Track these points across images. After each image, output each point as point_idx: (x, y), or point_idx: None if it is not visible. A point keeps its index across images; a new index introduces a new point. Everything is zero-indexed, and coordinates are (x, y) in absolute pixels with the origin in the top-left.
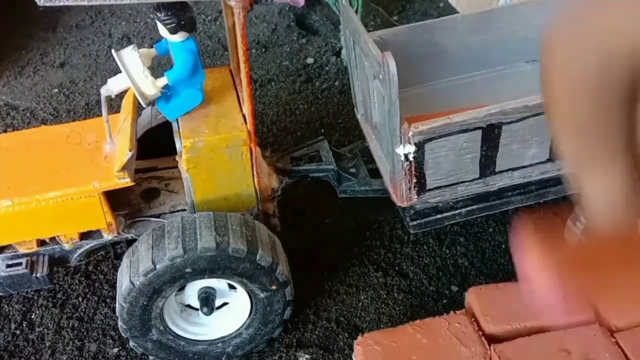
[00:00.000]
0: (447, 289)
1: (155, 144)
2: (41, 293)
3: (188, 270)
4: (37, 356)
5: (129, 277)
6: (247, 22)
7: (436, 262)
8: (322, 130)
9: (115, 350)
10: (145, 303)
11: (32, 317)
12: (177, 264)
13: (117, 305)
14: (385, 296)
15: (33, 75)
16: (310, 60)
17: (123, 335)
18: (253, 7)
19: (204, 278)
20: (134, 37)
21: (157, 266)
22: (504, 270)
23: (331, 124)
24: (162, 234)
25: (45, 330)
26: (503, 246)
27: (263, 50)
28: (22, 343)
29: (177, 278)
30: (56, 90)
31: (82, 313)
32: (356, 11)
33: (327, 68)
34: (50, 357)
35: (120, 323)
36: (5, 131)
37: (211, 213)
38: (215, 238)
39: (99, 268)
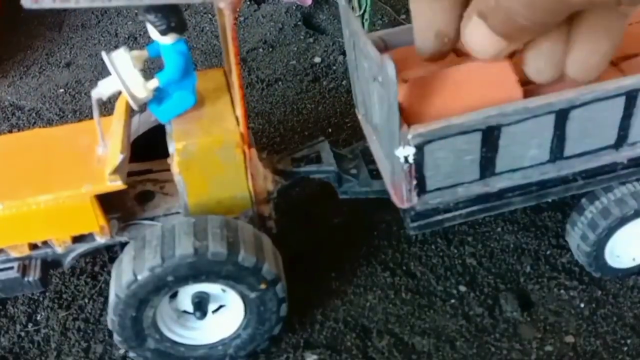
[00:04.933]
0: (455, 289)
1: (153, 146)
2: (47, 294)
3: (170, 278)
4: (43, 358)
5: (114, 289)
6: (254, 22)
7: (444, 262)
8: (330, 130)
9: (122, 351)
10: (134, 314)
11: (38, 318)
12: (158, 273)
13: (108, 319)
14: (392, 296)
15: (39, 75)
16: (317, 60)
17: (120, 347)
18: (260, 6)
19: (188, 284)
20: (140, 36)
21: (138, 277)
22: (512, 270)
23: (338, 123)
24: (143, 244)
25: (51, 331)
26: (512, 245)
27: (270, 49)
28: (27, 345)
29: (160, 287)
30: (62, 90)
31: (88, 314)
32: (365, 10)
33: (334, 67)
34: (56, 359)
35: (115, 336)
36: (10, 131)
37: (192, 218)
38: (194, 244)
39: (105, 269)
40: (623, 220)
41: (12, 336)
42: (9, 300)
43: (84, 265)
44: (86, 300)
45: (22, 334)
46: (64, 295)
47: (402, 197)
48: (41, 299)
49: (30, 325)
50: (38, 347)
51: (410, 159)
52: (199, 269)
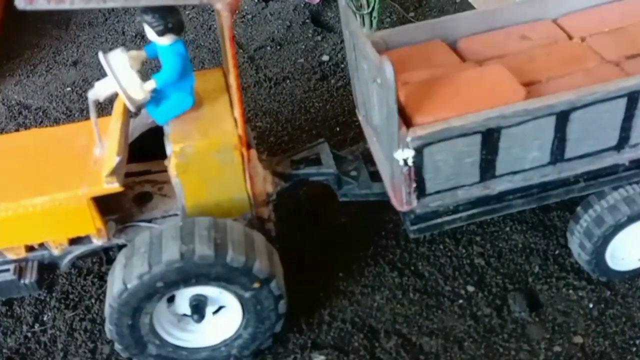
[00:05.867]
0: (463, 289)
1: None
2: (54, 294)
3: (160, 284)
4: (49, 359)
5: (108, 299)
6: (262, 19)
7: (452, 262)
8: (337, 129)
9: None
10: (130, 322)
11: (44, 319)
12: (146, 280)
13: (106, 328)
14: (400, 296)
15: (45, 74)
16: (325, 58)
17: (122, 355)
18: (268, 4)
19: (180, 288)
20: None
21: (128, 286)
22: (521, 270)
23: (346, 122)
24: (133, 251)
25: (58, 332)
26: (520, 245)
27: (278, 47)
28: (34, 346)
29: (152, 294)
30: (69, 89)
31: (95, 315)
32: (373, 8)
33: (342, 65)
34: None
35: (115, 345)
36: (17, 130)
37: (179, 223)
38: (180, 248)
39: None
40: (617, 228)
41: (18, 337)
42: (15, 300)
43: (90, 265)
44: (93, 301)
45: (29, 334)
46: (71, 296)
47: (402, 199)
48: (48, 299)
49: (36, 325)
50: (45, 348)
51: (410, 162)
52: (188, 273)
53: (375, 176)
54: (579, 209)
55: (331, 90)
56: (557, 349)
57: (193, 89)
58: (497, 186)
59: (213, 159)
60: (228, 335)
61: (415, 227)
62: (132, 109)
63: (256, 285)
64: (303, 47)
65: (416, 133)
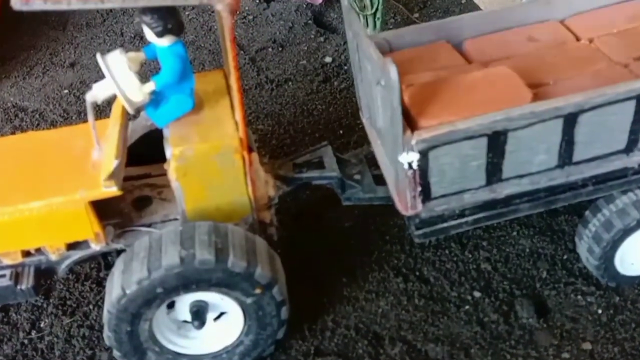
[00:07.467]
0: (469, 295)
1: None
2: (51, 300)
3: (159, 290)
4: None
5: (106, 305)
6: (264, 20)
7: (458, 267)
8: (341, 132)
9: None
10: (129, 329)
11: (42, 325)
12: (145, 286)
13: (104, 335)
14: (405, 302)
15: (42, 76)
16: (328, 59)
17: None
18: (270, 4)
19: (180, 294)
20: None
21: (127, 292)
22: (528, 275)
23: (350, 124)
24: (132, 256)
25: (55, 339)
26: (527, 250)
27: (280, 49)
28: (30, 352)
29: (151, 300)
30: (66, 91)
31: (93, 321)
32: (376, 9)
33: (345, 67)
34: None
35: (114, 352)
36: (13, 133)
37: (179, 227)
38: (180, 253)
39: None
40: (626, 232)
41: (15, 344)
42: (11, 306)
43: (88, 271)
44: (91, 307)
45: (26, 341)
46: (69, 302)
47: (407, 203)
48: (45, 305)
49: (33, 332)
50: (42, 355)
51: (415, 165)
52: (188, 278)
53: (380, 180)
54: (587, 213)
55: (334, 93)
56: (566, 355)
57: (193, 91)
58: (503, 190)
59: (213, 162)
60: (229, 342)
61: (420, 232)
62: (130, 111)
63: (258, 290)
64: (305, 48)
65: (421, 136)
